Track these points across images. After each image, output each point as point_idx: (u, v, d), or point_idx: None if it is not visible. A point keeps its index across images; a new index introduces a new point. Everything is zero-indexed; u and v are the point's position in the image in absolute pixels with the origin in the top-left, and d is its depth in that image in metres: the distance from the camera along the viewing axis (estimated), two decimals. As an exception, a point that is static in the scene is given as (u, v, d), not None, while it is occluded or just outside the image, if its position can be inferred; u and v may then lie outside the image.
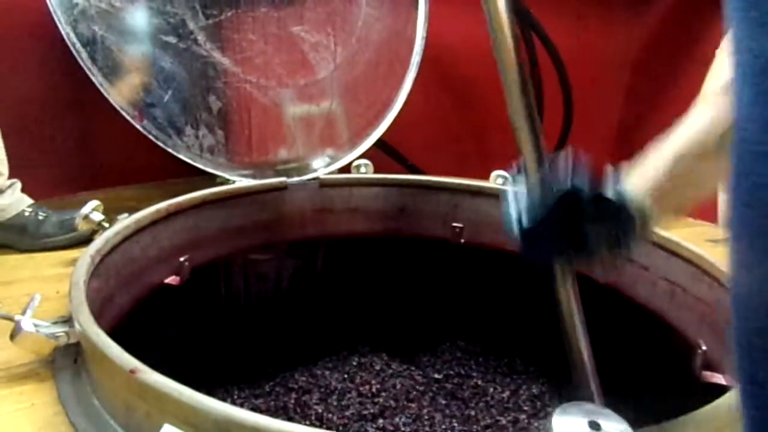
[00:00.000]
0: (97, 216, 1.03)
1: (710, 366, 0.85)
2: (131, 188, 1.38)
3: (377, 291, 1.29)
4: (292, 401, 1.10)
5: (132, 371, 0.55)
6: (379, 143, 1.44)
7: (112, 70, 1.11)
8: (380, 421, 1.07)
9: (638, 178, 0.63)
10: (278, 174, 1.23)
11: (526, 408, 1.13)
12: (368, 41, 1.40)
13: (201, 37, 1.19)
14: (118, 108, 1.11)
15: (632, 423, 0.51)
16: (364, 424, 1.06)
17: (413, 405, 1.11)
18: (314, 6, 1.33)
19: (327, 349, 1.26)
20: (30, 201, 1.13)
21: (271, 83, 1.29)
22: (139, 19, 1.15)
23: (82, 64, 1.08)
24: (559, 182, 0.62)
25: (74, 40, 1.07)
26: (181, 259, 1.03)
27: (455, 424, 1.08)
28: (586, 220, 0.61)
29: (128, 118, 1.12)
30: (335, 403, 1.10)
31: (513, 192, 0.65)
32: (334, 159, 1.31)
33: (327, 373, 1.19)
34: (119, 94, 1.11)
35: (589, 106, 1.83)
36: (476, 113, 1.90)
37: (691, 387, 0.85)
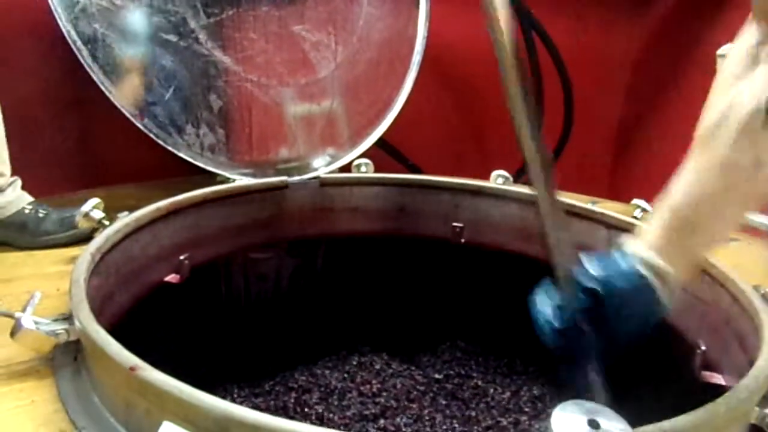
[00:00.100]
0: (98, 214, 1.03)
1: (709, 366, 0.85)
2: (131, 186, 1.38)
3: (377, 290, 1.29)
4: (292, 401, 1.10)
5: (132, 368, 0.55)
6: (380, 142, 1.44)
7: (113, 69, 1.11)
8: (381, 421, 1.07)
9: (648, 236, 0.63)
10: (279, 173, 1.23)
11: (527, 409, 1.13)
12: (369, 40, 1.40)
13: (202, 36, 1.19)
14: (119, 106, 1.11)
15: (631, 422, 0.51)
16: (365, 424, 1.06)
17: (414, 405, 1.11)
18: (315, 5, 1.33)
19: (327, 349, 1.26)
20: (30, 198, 1.13)
21: (272, 82, 1.29)
22: (140, 17, 1.15)
23: (82, 62, 1.08)
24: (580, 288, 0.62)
25: (75, 38, 1.07)
26: (182, 257, 1.03)
27: (456, 425, 1.08)
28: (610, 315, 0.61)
29: (129, 116, 1.12)
30: (336, 403, 1.10)
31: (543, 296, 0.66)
32: (334, 158, 1.31)
33: (327, 372, 1.19)
34: (120, 93, 1.11)
35: (589, 106, 1.84)
36: (477, 113, 1.90)
37: (690, 387, 0.85)
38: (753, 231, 1.16)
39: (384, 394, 1.13)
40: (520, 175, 1.39)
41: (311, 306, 1.27)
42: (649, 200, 1.19)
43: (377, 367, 1.22)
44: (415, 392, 1.15)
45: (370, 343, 1.29)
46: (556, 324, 0.63)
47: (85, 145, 1.41)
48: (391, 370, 1.21)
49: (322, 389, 1.13)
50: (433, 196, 1.25)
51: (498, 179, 1.31)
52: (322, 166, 1.28)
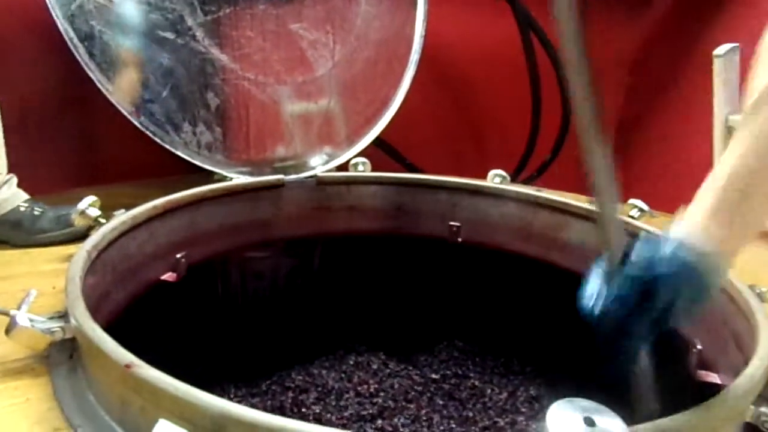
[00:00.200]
0: (94, 212, 1.03)
1: (705, 365, 0.85)
2: (128, 184, 1.38)
3: (374, 289, 1.28)
4: (289, 400, 1.10)
5: (127, 366, 0.55)
6: (377, 141, 1.44)
7: (110, 66, 1.11)
8: (379, 421, 1.06)
9: (695, 217, 0.61)
10: (276, 171, 1.22)
11: (524, 410, 1.13)
12: (367, 39, 1.40)
13: (199, 34, 1.19)
14: (116, 104, 1.11)
15: (627, 420, 0.51)
16: (363, 424, 1.05)
17: (411, 406, 1.11)
18: (313, 3, 1.33)
19: (324, 348, 1.26)
20: (26, 196, 1.13)
21: (270, 80, 1.29)
22: (137, 14, 1.15)
23: (79, 59, 1.08)
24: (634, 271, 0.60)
25: (72, 35, 1.07)
26: (178, 255, 1.02)
27: (453, 426, 1.07)
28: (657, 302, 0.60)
29: (126, 114, 1.12)
30: (333, 404, 1.10)
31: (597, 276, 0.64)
32: (331, 157, 1.31)
33: (324, 372, 1.19)
34: (117, 90, 1.11)
35: (587, 106, 1.83)
36: (474, 112, 1.90)
37: (686, 386, 0.85)
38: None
39: (381, 394, 1.13)
40: (517, 174, 1.39)
41: (308, 305, 1.27)
42: (646, 200, 1.19)
43: (374, 366, 1.22)
44: (412, 392, 1.15)
45: (367, 342, 1.28)
46: (600, 306, 0.62)
47: (81, 143, 1.41)
48: (388, 370, 1.21)
49: (319, 389, 1.13)
50: (430, 196, 1.25)
51: (495, 179, 1.31)
52: (319, 165, 1.28)
